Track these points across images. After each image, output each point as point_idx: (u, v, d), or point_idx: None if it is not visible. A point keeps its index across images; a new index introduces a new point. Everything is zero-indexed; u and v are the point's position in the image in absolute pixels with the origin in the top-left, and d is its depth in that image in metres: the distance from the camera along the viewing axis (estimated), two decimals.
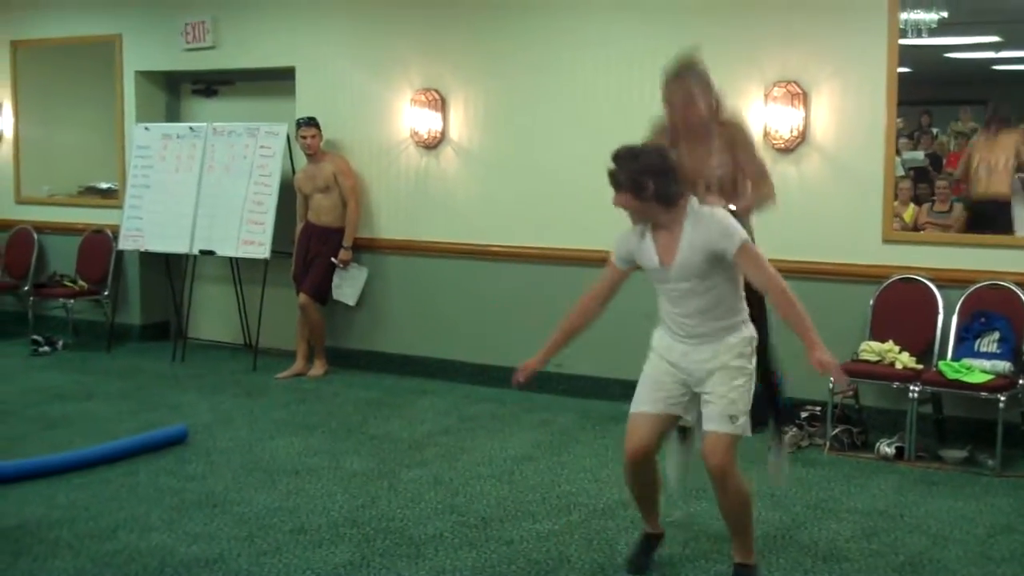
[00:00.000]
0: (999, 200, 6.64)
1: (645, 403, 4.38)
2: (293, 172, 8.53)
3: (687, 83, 4.83)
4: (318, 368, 8.37)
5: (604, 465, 6.06)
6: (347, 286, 8.39)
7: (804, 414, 6.56)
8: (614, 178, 4.17)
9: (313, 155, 8.29)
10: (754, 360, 4.32)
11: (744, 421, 4.23)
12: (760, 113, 6.92)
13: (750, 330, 4.32)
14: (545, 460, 6.19)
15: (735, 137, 4.99)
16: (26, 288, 9.81)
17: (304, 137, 8.21)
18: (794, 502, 5.48)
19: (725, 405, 4.20)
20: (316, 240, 8.32)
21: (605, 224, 4.74)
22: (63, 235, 9.85)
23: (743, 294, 4.29)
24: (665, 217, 4.19)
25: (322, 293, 8.35)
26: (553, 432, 6.79)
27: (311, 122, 8.22)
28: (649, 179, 4.11)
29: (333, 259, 8.25)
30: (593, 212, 6.51)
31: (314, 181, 8.28)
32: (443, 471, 5.91)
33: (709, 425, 4.24)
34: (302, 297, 8.30)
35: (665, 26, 7.16)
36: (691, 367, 4.28)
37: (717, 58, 6.94)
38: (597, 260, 7.46)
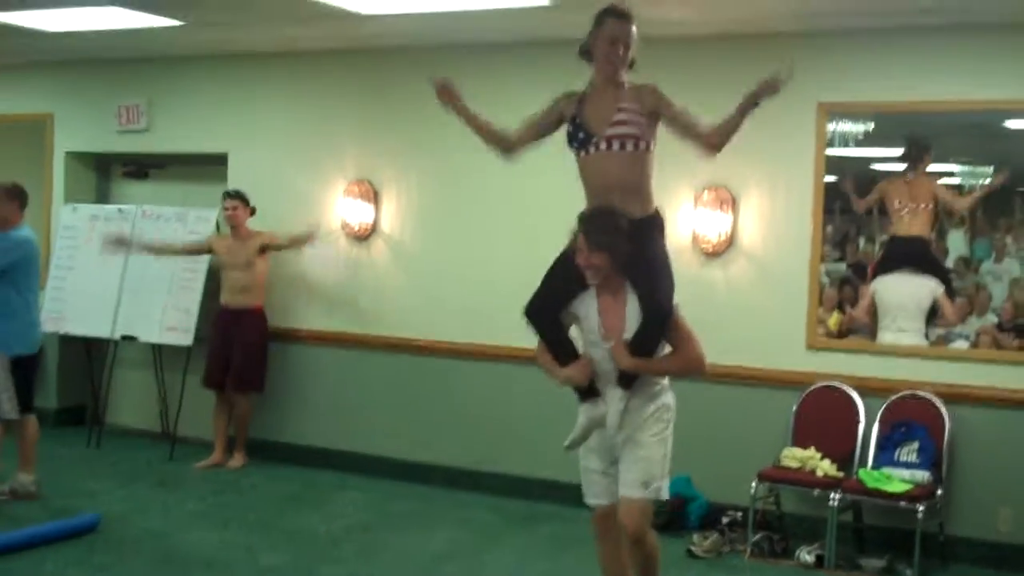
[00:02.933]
0: (921, 239, 6.69)
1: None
2: None
3: (629, 27, 4.37)
4: (238, 459, 8.17)
5: (524, 566, 5.99)
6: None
7: (726, 519, 6.55)
8: (591, 237, 4.13)
9: (237, 228, 8.13)
10: (671, 428, 4.40)
11: (658, 486, 4.30)
12: (689, 217, 7.02)
13: (670, 397, 4.40)
14: (465, 559, 6.11)
15: (658, 100, 4.37)
16: None
17: (227, 209, 8.08)
18: None
19: (640, 470, 4.26)
20: (232, 324, 8.12)
21: None
22: None
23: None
24: (616, 283, 4.22)
25: (252, 381, 8.18)
26: (473, 530, 6.71)
27: (236, 195, 8.11)
28: (624, 243, 4.13)
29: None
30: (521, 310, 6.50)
31: (234, 256, 8.10)
32: (360, 568, 5.81)
33: (624, 490, 4.29)
34: (231, 392, 8.16)
35: None
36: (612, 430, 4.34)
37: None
38: (525, 358, 7.48)
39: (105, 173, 9.78)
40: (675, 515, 6.74)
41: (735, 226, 6.96)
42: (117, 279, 8.72)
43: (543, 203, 7.40)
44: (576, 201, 4.42)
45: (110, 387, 9.00)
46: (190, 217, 8.55)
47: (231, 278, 8.15)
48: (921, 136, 6.66)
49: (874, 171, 6.84)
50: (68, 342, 9.21)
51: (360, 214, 8.03)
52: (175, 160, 9.28)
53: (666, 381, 4.40)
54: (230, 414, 8.29)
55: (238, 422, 8.25)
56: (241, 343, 8.12)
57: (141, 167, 9.58)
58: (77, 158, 9.54)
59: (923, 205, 6.64)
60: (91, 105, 9.27)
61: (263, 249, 8.10)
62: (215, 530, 6.47)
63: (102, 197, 9.70)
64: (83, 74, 9.32)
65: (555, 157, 7.19)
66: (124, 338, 8.64)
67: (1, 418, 6.67)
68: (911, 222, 6.68)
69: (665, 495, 4.34)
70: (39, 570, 5.58)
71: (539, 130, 4.60)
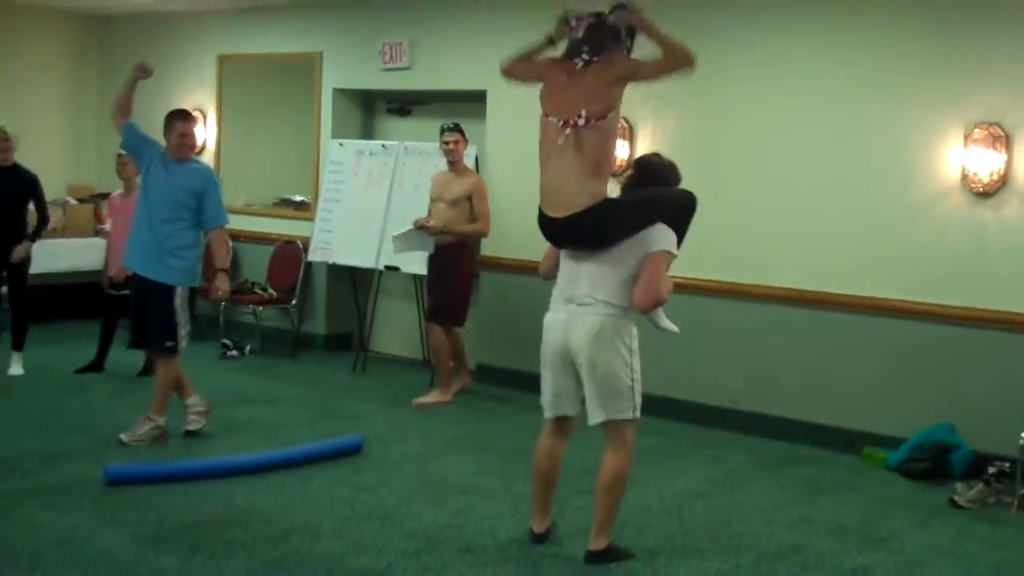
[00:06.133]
0: None
1: None
2: None
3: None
4: (435, 395, 8.10)
5: (777, 507, 5.91)
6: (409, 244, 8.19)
7: (992, 470, 6.27)
8: None
9: (455, 164, 8.13)
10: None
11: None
12: (958, 155, 6.69)
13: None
14: (716, 498, 6.08)
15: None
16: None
17: (447, 143, 8.04)
18: (976, 561, 5.24)
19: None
20: (442, 257, 8.11)
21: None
22: (257, 244, 10.19)
23: None
24: None
25: (449, 314, 8.11)
26: (726, 469, 6.66)
27: (455, 128, 8.08)
28: None
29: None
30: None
31: (446, 189, 8.08)
32: None
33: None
34: (430, 324, 8.21)
35: (855, 64, 7.03)
36: None
37: (913, 96, 6.85)
38: (787, 297, 7.35)
39: (370, 109, 10.10)
40: (938, 463, 6.52)
41: (1009, 165, 6.57)
42: (382, 212, 9.02)
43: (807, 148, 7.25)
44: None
45: (374, 315, 9.35)
46: None
47: (437, 210, 8.10)
48: None
49: None
50: (335, 271, 9.62)
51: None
52: (436, 97, 9.48)
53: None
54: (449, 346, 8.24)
55: (438, 354, 8.19)
56: (443, 278, 8.11)
57: (404, 104, 9.84)
58: (343, 95, 9.88)
59: None
60: (357, 44, 9.57)
61: (469, 198, 8.03)
62: (472, 456, 6.65)
63: (366, 133, 10.04)
64: (350, 13, 9.63)
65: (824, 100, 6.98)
66: (387, 268, 8.94)
67: (176, 350, 6.68)
68: None
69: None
70: (308, 487, 5.88)
71: None
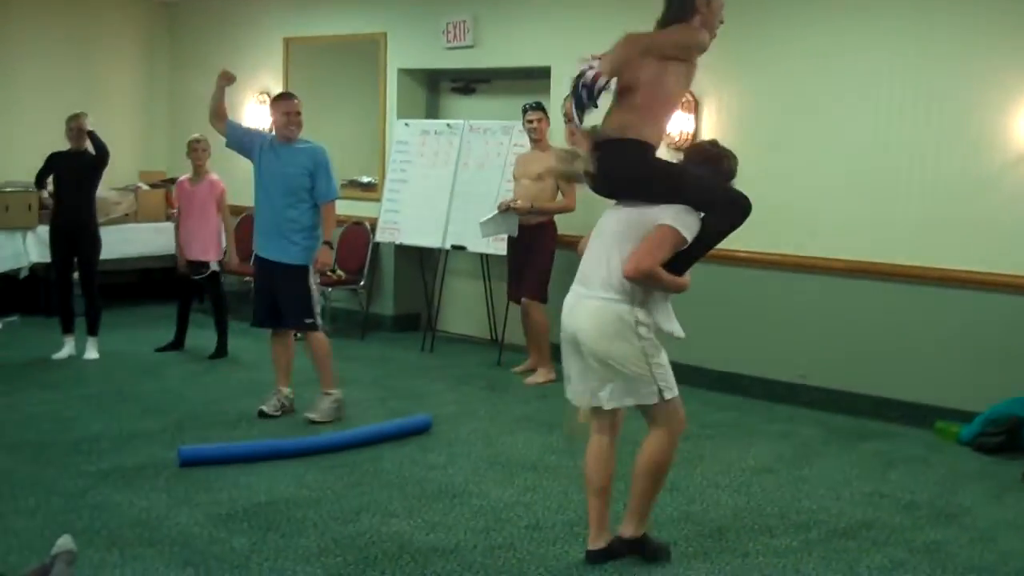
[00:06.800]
0: None
1: None
2: None
3: None
4: (541, 375, 8.12)
5: (847, 483, 5.87)
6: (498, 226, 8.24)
7: None
8: None
9: (539, 141, 8.16)
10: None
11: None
12: None
13: None
14: (786, 473, 6.04)
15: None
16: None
17: (531, 121, 8.11)
18: None
19: None
20: (524, 235, 8.16)
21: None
22: None
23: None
24: None
25: (538, 290, 8.13)
26: (795, 445, 6.62)
27: (538, 107, 8.13)
28: None
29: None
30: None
31: (529, 167, 8.12)
32: (680, 478, 5.80)
33: None
34: (523, 301, 8.22)
35: (922, 34, 6.92)
36: None
37: (982, 64, 6.71)
38: (852, 270, 7.27)
39: (434, 89, 10.13)
40: (1012, 437, 6.42)
41: None
42: (447, 192, 9.05)
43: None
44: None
45: (442, 295, 9.40)
46: (515, 130, 8.71)
47: (520, 187, 8.16)
48: None
49: None
50: (403, 252, 9.68)
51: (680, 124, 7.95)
52: (500, 75, 9.48)
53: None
54: (526, 323, 8.33)
55: (535, 333, 8.23)
56: (530, 256, 8.14)
57: (468, 83, 9.85)
58: (408, 74, 9.92)
59: None
60: (421, 23, 9.59)
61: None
62: (540, 434, 6.67)
63: (431, 112, 10.07)
64: None
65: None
66: (454, 248, 8.98)
67: (316, 325, 6.86)
68: None
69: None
70: (378, 466, 5.93)
71: None
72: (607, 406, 4.50)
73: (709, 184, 4.48)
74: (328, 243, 6.92)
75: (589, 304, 4.46)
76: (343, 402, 6.94)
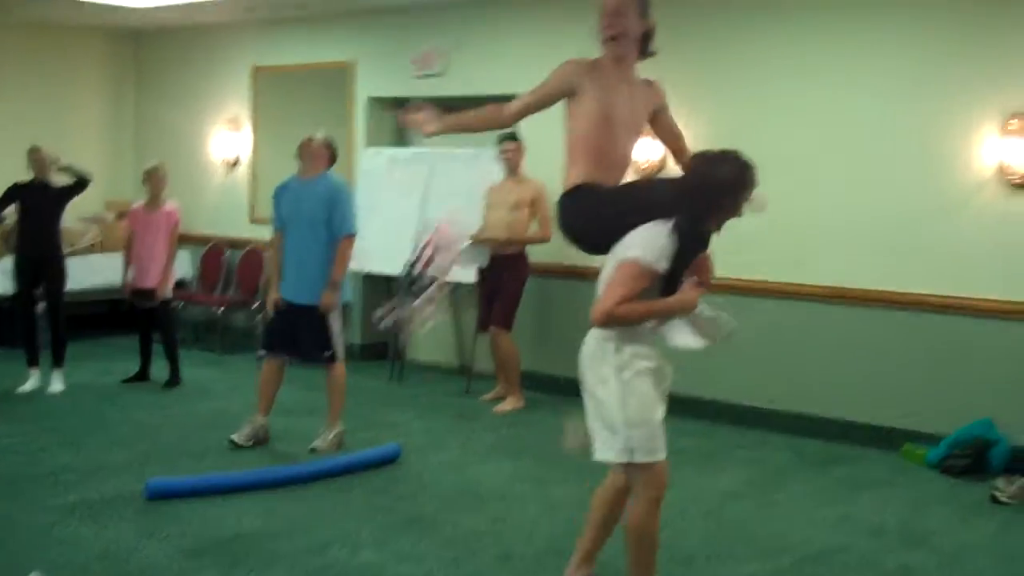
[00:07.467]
0: None
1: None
2: None
3: None
4: (510, 403, 8.16)
5: (817, 507, 5.89)
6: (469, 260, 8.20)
7: None
8: None
9: (514, 172, 8.23)
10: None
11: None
12: (995, 147, 6.63)
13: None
14: (756, 499, 6.06)
15: (663, 100, 4.53)
16: (255, 305, 10.25)
17: (505, 151, 8.16)
18: (1019, 557, 5.19)
19: None
20: (497, 264, 8.21)
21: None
22: None
23: None
24: None
25: (506, 320, 8.18)
26: (765, 470, 6.64)
27: (512, 137, 8.15)
28: None
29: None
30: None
31: (505, 196, 8.16)
32: None
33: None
34: (492, 329, 8.23)
35: (890, 57, 6.98)
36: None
37: (949, 88, 6.79)
38: (822, 295, 7.31)
39: None
40: (978, 459, 6.46)
41: None
42: (415, 219, 9.04)
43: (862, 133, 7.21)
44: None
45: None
46: (483, 158, 8.73)
47: (494, 217, 8.19)
48: None
49: None
50: (370, 280, 9.65)
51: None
52: (469, 103, 9.45)
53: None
54: (495, 352, 8.34)
55: (507, 363, 8.25)
56: (504, 286, 8.19)
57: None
58: (378, 103, 9.92)
59: None
60: (390, 52, 9.61)
61: (532, 203, 8.11)
62: (509, 462, 6.67)
63: (401, 141, 10.07)
64: (383, 23, 9.67)
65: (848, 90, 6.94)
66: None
67: (335, 357, 6.91)
68: None
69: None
70: (347, 496, 5.91)
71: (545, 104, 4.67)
72: (596, 457, 4.09)
73: (659, 185, 4.43)
74: (335, 283, 6.76)
75: (586, 342, 4.12)
76: (343, 434, 6.94)
